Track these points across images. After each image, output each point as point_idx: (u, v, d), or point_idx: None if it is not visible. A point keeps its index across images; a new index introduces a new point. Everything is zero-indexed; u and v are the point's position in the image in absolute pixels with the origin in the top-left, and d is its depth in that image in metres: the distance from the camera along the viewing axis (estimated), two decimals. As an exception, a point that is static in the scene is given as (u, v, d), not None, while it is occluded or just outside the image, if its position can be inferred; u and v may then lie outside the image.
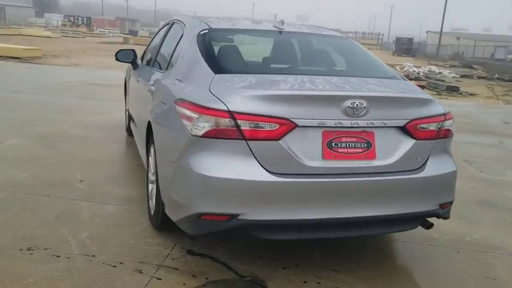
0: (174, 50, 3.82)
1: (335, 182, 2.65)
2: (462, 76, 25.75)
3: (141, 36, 43.09)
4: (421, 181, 2.84)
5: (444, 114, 2.97)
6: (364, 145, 2.73)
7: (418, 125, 2.84)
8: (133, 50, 5.31)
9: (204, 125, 2.59)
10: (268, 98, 2.59)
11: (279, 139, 2.57)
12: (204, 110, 2.61)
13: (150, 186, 3.66)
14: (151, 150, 3.54)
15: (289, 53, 3.67)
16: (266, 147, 2.57)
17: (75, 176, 4.54)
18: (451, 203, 3.07)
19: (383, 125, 2.76)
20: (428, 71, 26.57)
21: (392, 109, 2.79)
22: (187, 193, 2.68)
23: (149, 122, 3.54)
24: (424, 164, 2.89)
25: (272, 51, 3.76)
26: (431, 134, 2.89)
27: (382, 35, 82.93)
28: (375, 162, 2.75)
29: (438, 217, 3.01)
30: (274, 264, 3.10)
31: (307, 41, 3.87)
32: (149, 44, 5.35)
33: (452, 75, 25.50)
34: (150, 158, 3.64)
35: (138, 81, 4.64)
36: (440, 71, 26.50)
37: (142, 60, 5.29)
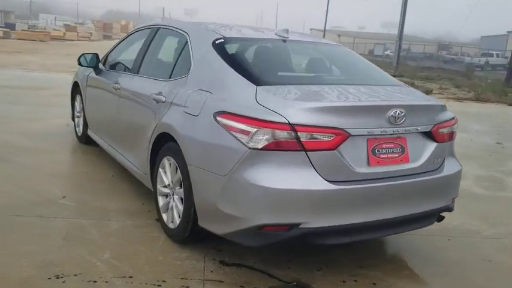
0: (178, 59, 3.75)
1: (380, 186, 2.85)
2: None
3: (24, 30, 39.48)
4: (442, 180, 3.15)
5: (454, 118, 3.31)
6: (399, 150, 2.96)
7: (439, 129, 3.14)
8: (96, 54, 5.05)
9: (263, 138, 2.63)
10: (324, 110, 2.71)
11: (334, 149, 2.70)
12: (263, 123, 2.64)
13: (162, 199, 3.57)
14: (165, 162, 3.46)
15: (309, 62, 3.79)
16: (323, 157, 2.68)
17: (53, 191, 4.22)
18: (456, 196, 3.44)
19: (415, 131, 3.02)
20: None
21: (422, 116, 3.06)
22: (246, 206, 2.69)
23: (161, 134, 3.45)
24: (442, 164, 3.20)
25: (292, 60, 3.83)
26: (447, 137, 3.21)
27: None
28: (408, 165, 3.00)
29: (449, 211, 3.35)
30: (307, 267, 3.22)
31: (319, 50, 4.01)
32: (114, 48, 5.11)
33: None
34: (160, 170, 3.54)
35: (115, 88, 4.42)
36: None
37: (105, 65, 5.06)
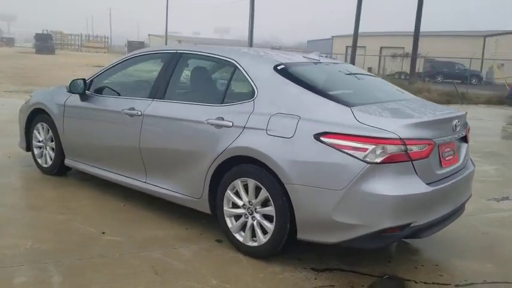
0: (229, 84, 3.88)
1: (450, 183, 3.46)
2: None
3: None
4: (471, 174, 3.90)
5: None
6: (452, 152, 3.62)
7: (468, 133, 3.88)
8: (84, 80, 4.82)
9: (380, 153, 3.03)
10: (419, 125, 3.22)
11: (427, 157, 3.23)
12: (378, 140, 3.04)
13: (231, 220, 3.71)
14: (237, 183, 3.60)
15: (352, 82, 4.20)
16: (421, 164, 3.19)
17: (85, 229, 3.98)
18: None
19: (461, 135, 3.70)
20: (185, 74, 28.39)
21: (463, 123, 3.76)
22: (368, 214, 3.06)
23: (231, 157, 3.59)
24: (467, 161, 3.96)
25: (343, 81, 4.17)
26: (468, 139, 3.97)
27: (107, 37, 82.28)
28: (457, 164, 3.67)
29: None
30: (380, 261, 3.70)
31: (348, 70, 4.43)
32: (103, 73, 4.90)
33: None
34: (229, 192, 3.66)
35: (130, 115, 4.31)
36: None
37: (93, 90, 4.85)
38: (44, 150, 5.46)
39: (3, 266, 3.26)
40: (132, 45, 58.38)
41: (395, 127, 3.12)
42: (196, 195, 3.91)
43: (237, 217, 3.69)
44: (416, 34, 29.15)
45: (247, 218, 3.61)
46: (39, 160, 5.54)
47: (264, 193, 3.46)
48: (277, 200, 3.38)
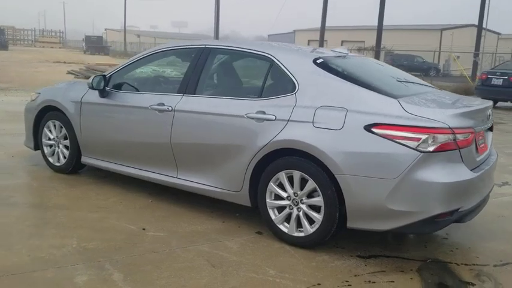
0: (266, 78, 3.93)
1: (486, 169, 3.67)
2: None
3: None
4: (496, 162, 4.12)
5: None
6: (483, 141, 3.83)
7: (493, 123, 4.11)
8: (104, 76, 4.76)
9: (433, 142, 3.19)
10: (464, 115, 3.40)
11: (471, 144, 3.42)
12: (430, 130, 3.20)
13: (274, 211, 3.78)
14: (281, 176, 3.68)
15: (384, 74, 4.31)
16: (466, 152, 3.37)
17: (125, 225, 3.97)
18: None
19: (490, 125, 3.91)
20: (153, 70, 27.98)
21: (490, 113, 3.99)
22: (422, 200, 3.21)
23: (275, 150, 3.66)
24: (492, 149, 4.18)
25: (377, 74, 4.27)
26: (493, 128, 4.19)
27: (62, 32, 79.83)
28: (487, 152, 3.89)
29: None
30: (420, 245, 3.88)
31: (376, 63, 4.55)
32: (123, 69, 4.84)
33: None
34: (272, 184, 3.74)
35: (158, 110, 4.30)
36: (165, 69, 28.28)
37: (113, 87, 4.80)
38: (56, 148, 5.35)
39: (59, 266, 3.22)
40: (90, 40, 56.92)
41: (444, 117, 3.28)
42: (236, 189, 3.96)
43: (280, 208, 3.77)
44: (380, 28, 29.84)
45: (292, 209, 3.70)
46: (50, 159, 5.43)
47: (311, 184, 3.55)
48: (325, 190, 3.48)
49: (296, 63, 3.86)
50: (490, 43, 40.42)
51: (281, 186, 3.74)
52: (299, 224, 3.69)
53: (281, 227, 3.77)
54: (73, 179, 5.20)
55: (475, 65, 31.22)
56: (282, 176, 3.70)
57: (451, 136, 3.24)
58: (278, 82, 3.91)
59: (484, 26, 33.92)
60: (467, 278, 3.37)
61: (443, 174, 3.23)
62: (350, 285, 3.17)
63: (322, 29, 26.96)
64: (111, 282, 3.05)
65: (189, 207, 4.45)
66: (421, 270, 3.45)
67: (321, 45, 27.40)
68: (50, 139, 5.39)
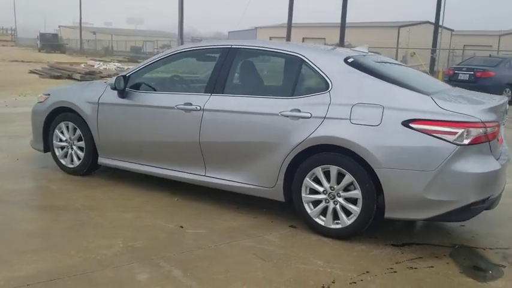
0: (297, 77, 4.08)
1: (506, 159, 3.96)
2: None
3: None
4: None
5: None
6: (500, 135, 4.12)
7: None
8: (125, 76, 4.79)
9: (468, 136, 3.44)
10: (491, 110, 3.66)
11: (496, 137, 3.69)
12: (467, 124, 3.44)
13: (310, 205, 3.94)
14: (317, 171, 3.85)
15: (408, 72, 4.52)
16: (493, 143, 3.64)
17: (162, 224, 4.03)
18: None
19: (506, 119, 4.22)
20: (117, 67, 27.53)
21: None
22: (459, 190, 3.46)
23: (311, 147, 3.82)
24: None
25: (401, 72, 4.45)
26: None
27: (13, 29, 76.87)
28: (503, 143, 4.19)
29: None
30: (443, 233, 4.14)
31: (390, 62, 4.76)
32: (142, 70, 4.87)
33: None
34: (307, 179, 3.90)
35: (185, 110, 4.38)
36: (129, 66, 27.87)
37: (132, 87, 4.83)
38: (69, 150, 5.30)
39: (115, 266, 3.26)
40: (44, 37, 55.02)
41: (475, 112, 3.54)
42: (269, 185, 4.10)
43: (316, 202, 3.93)
44: (343, 25, 30.51)
45: (328, 202, 3.87)
46: (62, 161, 5.37)
47: (348, 178, 3.74)
48: (363, 183, 3.67)
49: (328, 62, 4.03)
50: (444, 39, 42.03)
51: (316, 180, 3.90)
52: (335, 217, 3.86)
53: (317, 220, 3.93)
54: (88, 180, 5.18)
55: (433, 61, 32.42)
56: (319, 171, 3.86)
57: (482, 130, 3.50)
58: (310, 81, 4.07)
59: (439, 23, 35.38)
60: (496, 260, 3.65)
61: (477, 165, 3.48)
62: (396, 271, 3.38)
63: (289, 25, 27.31)
64: (173, 279, 3.13)
65: (215, 205, 4.55)
66: (453, 255, 3.71)
67: (288, 41, 27.69)
68: (61, 141, 5.34)
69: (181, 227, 4.01)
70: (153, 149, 4.71)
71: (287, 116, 3.95)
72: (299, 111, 3.92)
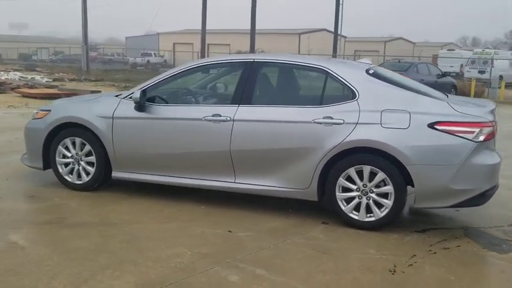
0: (324, 87, 4.52)
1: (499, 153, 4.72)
2: (55, 80, 26.34)
3: None
4: None
5: None
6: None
7: None
8: (144, 90, 4.89)
9: (483, 134, 4.12)
10: (490, 112, 4.37)
11: (495, 134, 4.43)
12: (480, 124, 4.12)
13: (344, 203, 4.40)
14: (351, 171, 4.32)
15: (408, 81, 5.10)
16: (494, 140, 4.38)
17: (212, 232, 4.22)
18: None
19: None
20: (20, 77, 25.81)
21: None
22: (477, 180, 4.13)
23: (345, 150, 4.29)
24: None
25: (408, 81, 5.00)
26: None
27: None
28: None
29: None
30: (446, 218, 4.82)
31: (393, 71, 5.34)
32: (158, 84, 5.00)
33: (46, 80, 25.82)
34: (341, 179, 4.36)
35: (214, 121, 4.61)
36: (33, 76, 26.25)
37: (150, 100, 4.95)
38: (76, 166, 5.21)
39: (201, 271, 3.45)
40: None
41: (483, 114, 4.25)
42: (303, 186, 4.48)
43: (348, 199, 4.39)
44: (253, 32, 31.47)
45: (361, 198, 4.35)
46: (67, 177, 5.26)
47: (381, 176, 4.25)
48: (395, 179, 4.21)
49: (352, 74, 4.52)
50: (339, 45, 45.06)
51: (349, 179, 4.36)
52: (368, 211, 4.35)
53: (351, 215, 4.39)
54: (101, 195, 5.12)
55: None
56: (352, 171, 4.33)
57: (491, 128, 4.20)
58: (337, 91, 4.52)
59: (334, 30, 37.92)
60: (500, 236, 4.39)
61: (488, 157, 4.18)
62: (435, 252, 3.95)
63: (203, 31, 27.55)
64: (261, 277, 3.40)
65: (242, 210, 4.80)
66: (468, 235, 4.38)
67: (203, 49, 27.90)
68: (66, 157, 5.23)
69: (230, 231, 4.24)
70: (177, 160, 4.84)
71: (320, 123, 4.37)
72: (331, 118, 4.35)
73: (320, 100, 4.54)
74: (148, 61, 48.80)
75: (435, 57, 43.64)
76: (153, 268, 3.47)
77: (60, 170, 5.28)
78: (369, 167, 4.28)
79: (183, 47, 49.97)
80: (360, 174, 4.33)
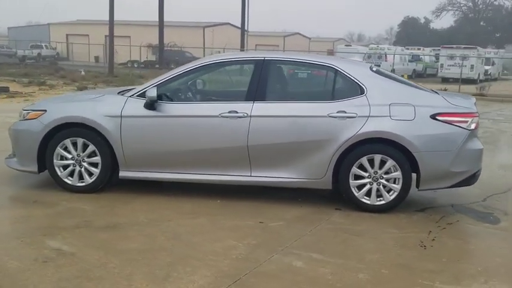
0: (334, 84, 4.89)
1: None
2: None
3: None
4: None
5: None
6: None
7: None
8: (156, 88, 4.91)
9: (473, 123, 4.77)
10: (473, 103, 5.04)
11: None
12: (471, 115, 4.77)
13: (356, 189, 4.82)
14: (363, 160, 4.76)
15: (399, 77, 5.59)
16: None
17: (245, 223, 4.41)
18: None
19: None
20: None
21: None
22: (470, 162, 4.77)
23: (359, 141, 4.71)
24: None
25: (396, 75, 5.47)
26: None
27: None
28: None
29: None
30: (430, 198, 5.47)
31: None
32: (169, 82, 5.02)
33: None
34: (354, 168, 4.78)
35: (231, 117, 4.78)
36: None
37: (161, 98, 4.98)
38: (77, 167, 5.04)
39: (265, 260, 3.65)
40: None
41: (471, 105, 4.91)
42: (319, 176, 4.83)
43: (360, 186, 4.83)
44: (161, 24, 30.96)
45: (372, 184, 4.81)
46: (67, 180, 5.07)
47: (390, 163, 4.73)
48: (403, 166, 4.72)
49: (359, 71, 4.94)
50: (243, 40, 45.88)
51: (361, 167, 4.79)
52: (378, 195, 4.82)
53: (363, 200, 4.83)
54: (109, 196, 5.02)
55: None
56: (364, 160, 4.76)
57: (478, 118, 4.88)
58: (345, 87, 4.91)
59: (236, 24, 38.49)
60: (482, 210, 5.11)
61: (477, 143, 4.86)
62: (444, 228, 4.53)
63: (111, 22, 26.38)
64: (321, 260, 3.69)
65: (254, 201, 5.02)
66: (458, 211, 5.04)
67: (112, 40, 26.74)
68: (65, 159, 5.03)
69: (261, 222, 4.45)
70: (192, 157, 4.91)
71: (335, 117, 4.73)
72: (345, 112, 4.74)
73: (331, 96, 4.90)
74: (39, 54, 45.60)
75: (330, 52, 46.48)
76: (218, 261, 3.59)
77: (59, 173, 5.06)
78: (380, 155, 4.74)
79: (78, 39, 47.44)
80: (370, 162, 4.77)
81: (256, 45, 50.85)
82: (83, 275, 3.31)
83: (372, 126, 4.71)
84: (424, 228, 4.48)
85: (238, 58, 5.28)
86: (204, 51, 42.73)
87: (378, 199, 4.83)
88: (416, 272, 3.56)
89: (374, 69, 5.05)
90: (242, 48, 35.41)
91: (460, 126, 4.72)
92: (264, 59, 5.01)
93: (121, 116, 4.91)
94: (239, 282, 3.30)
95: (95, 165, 5.03)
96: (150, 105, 4.86)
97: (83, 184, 5.07)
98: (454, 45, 34.04)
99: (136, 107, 4.91)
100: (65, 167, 5.05)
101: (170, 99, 5.00)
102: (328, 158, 4.76)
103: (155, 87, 4.85)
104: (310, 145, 4.77)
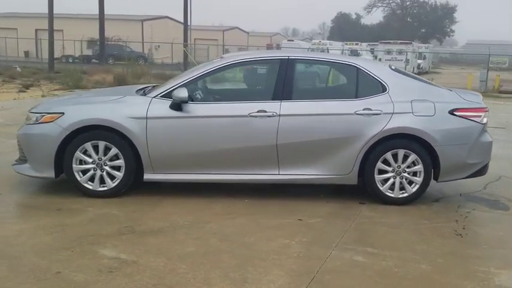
0: (357, 82, 5.04)
1: None
2: None
3: None
4: None
5: None
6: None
7: None
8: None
9: (485, 117, 5.11)
10: (481, 99, 5.39)
11: None
12: (483, 109, 5.10)
13: (381, 183, 5.01)
14: (388, 156, 4.96)
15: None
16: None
17: (287, 221, 4.46)
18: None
19: None
20: None
21: None
22: (483, 154, 5.10)
23: (385, 136, 4.91)
24: None
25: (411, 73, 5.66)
26: None
27: None
28: None
29: None
30: (436, 189, 5.79)
31: None
32: (196, 81, 4.96)
33: None
34: (379, 163, 4.97)
35: (261, 116, 4.81)
36: None
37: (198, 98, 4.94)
38: (98, 172, 4.85)
39: (327, 256, 3.73)
40: None
41: (480, 101, 5.24)
42: (346, 172, 4.97)
43: (384, 180, 5.03)
44: (101, 17, 29.81)
45: (395, 178, 5.02)
46: (87, 185, 4.87)
47: (413, 157, 4.96)
48: (425, 159, 4.97)
49: (380, 70, 5.12)
50: (180, 34, 45.21)
51: (385, 162, 4.98)
52: (400, 188, 5.04)
53: (387, 193, 5.03)
54: (131, 200, 4.86)
55: (186, 54, 34.77)
56: (389, 155, 4.96)
57: (488, 113, 5.22)
58: (369, 85, 5.05)
59: (175, 18, 37.90)
60: (488, 198, 5.49)
61: (488, 136, 5.20)
62: (467, 216, 4.83)
63: (51, 17, 24.98)
64: (378, 254, 3.83)
65: (278, 199, 5.09)
66: (470, 200, 5.38)
67: (51, 34, 25.25)
68: (85, 163, 4.83)
69: (300, 219, 4.52)
70: (220, 157, 4.88)
71: (361, 114, 4.89)
72: (370, 109, 4.90)
73: (355, 93, 5.04)
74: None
75: (270, 46, 46.94)
76: (283, 260, 3.64)
77: (78, 178, 4.84)
78: (403, 150, 4.95)
79: (4, 33, 44.63)
80: (394, 157, 4.97)
81: (195, 39, 50.20)
82: (159, 282, 3.23)
83: (397, 123, 4.91)
84: (449, 217, 4.75)
85: (263, 57, 5.29)
86: (142, 44, 41.76)
87: (401, 192, 5.05)
88: (468, 260, 3.80)
89: (393, 67, 5.26)
90: (185, 42, 34.88)
91: (474, 121, 5.03)
92: (288, 58, 5.06)
93: (146, 118, 4.77)
94: (316, 280, 3.36)
95: (117, 168, 4.86)
96: (177, 105, 4.77)
97: (105, 189, 4.88)
98: (392, 41, 35.63)
99: (163, 107, 4.80)
100: (84, 171, 4.84)
101: (196, 100, 4.93)
102: (355, 154, 4.91)
103: (184, 88, 4.76)
104: (338, 142, 4.89)
